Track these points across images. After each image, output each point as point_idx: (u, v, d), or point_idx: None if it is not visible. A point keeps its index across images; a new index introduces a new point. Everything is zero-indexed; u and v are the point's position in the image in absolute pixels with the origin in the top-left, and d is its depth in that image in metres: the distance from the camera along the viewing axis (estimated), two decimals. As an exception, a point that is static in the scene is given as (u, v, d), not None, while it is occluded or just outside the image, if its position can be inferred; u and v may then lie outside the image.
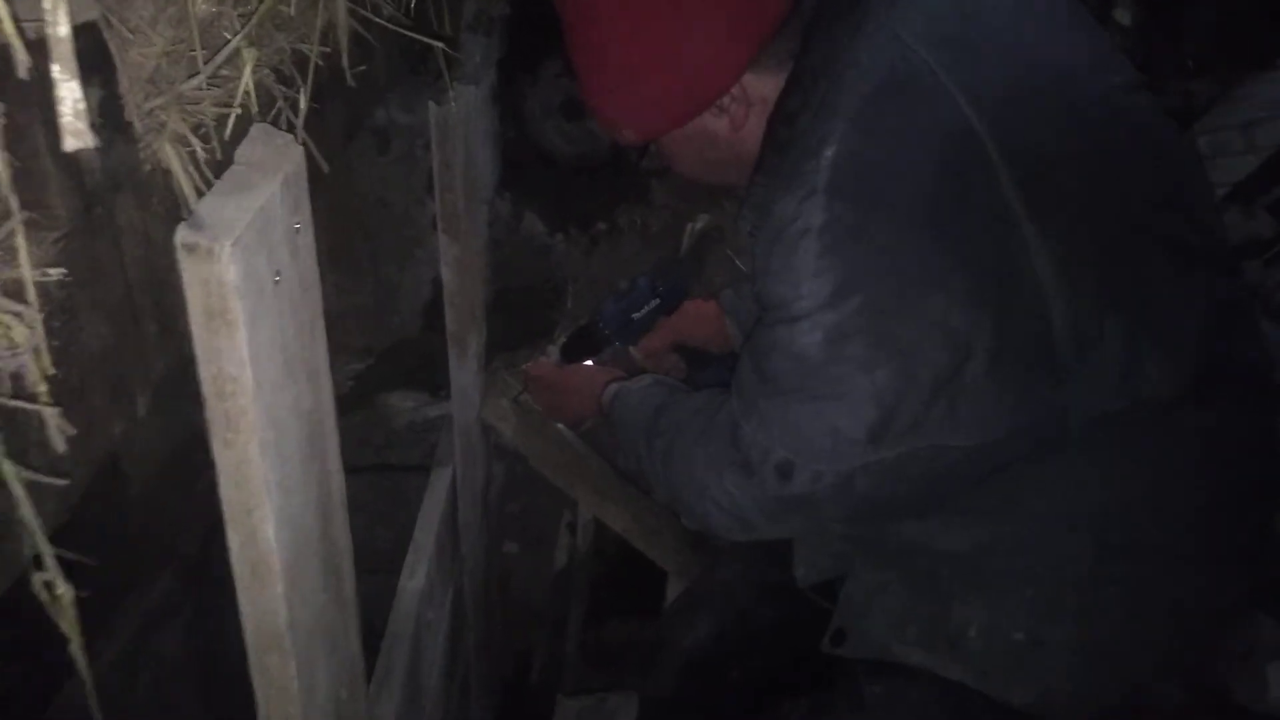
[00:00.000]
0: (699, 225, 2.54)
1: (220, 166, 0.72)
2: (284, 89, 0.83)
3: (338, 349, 2.27)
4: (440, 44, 1.04)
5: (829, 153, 0.97)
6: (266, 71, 0.81)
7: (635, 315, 1.56)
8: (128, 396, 0.65)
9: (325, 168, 0.91)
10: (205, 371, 0.65)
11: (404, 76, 1.83)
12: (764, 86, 1.11)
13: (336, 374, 2.18)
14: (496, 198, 2.28)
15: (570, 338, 1.64)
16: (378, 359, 2.17)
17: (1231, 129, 2.09)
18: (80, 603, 0.57)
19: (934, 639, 1.13)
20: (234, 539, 0.71)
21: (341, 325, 2.17)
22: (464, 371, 1.67)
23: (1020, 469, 1.06)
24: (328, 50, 0.90)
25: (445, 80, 1.14)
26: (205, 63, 0.70)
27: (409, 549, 1.58)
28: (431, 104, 1.31)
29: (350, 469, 2.20)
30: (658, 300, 1.56)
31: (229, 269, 0.62)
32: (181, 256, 0.62)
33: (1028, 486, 1.08)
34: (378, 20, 1.03)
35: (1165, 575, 1.08)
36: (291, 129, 0.84)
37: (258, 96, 0.79)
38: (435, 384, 2.11)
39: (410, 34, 1.02)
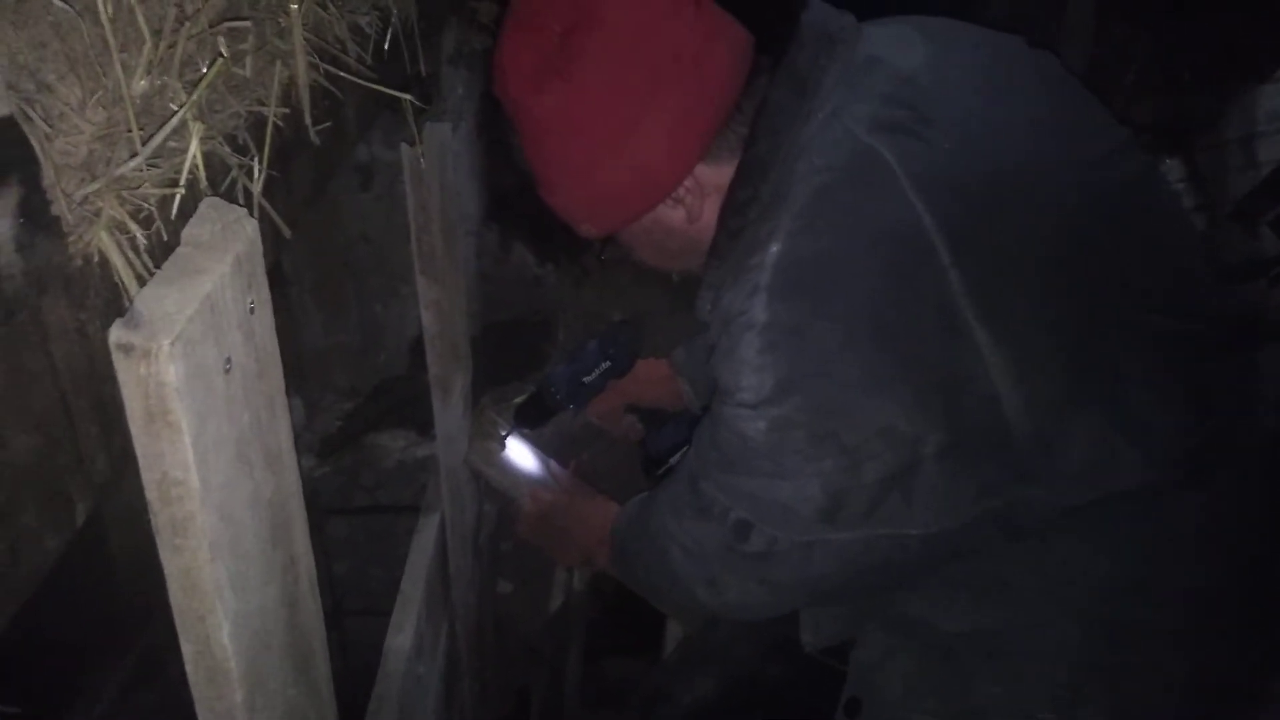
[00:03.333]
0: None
1: (169, 250, 0.68)
2: (240, 157, 0.79)
3: (324, 389, 2.24)
4: (407, 96, 1.00)
5: (774, 249, 0.95)
6: (218, 141, 0.77)
7: (586, 379, 1.55)
8: (65, 507, 0.60)
9: (287, 233, 0.87)
10: (148, 476, 0.61)
11: (383, 113, 1.79)
12: (718, 175, 1.09)
13: (323, 414, 2.15)
14: (484, 230, 2.24)
15: (522, 404, 1.64)
16: (365, 398, 2.13)
17: (1231, 144, 2.05)
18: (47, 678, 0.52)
19: (955, 713, 1.08)
20: (187, 647, 0.66)
21: (327, 364, 2.13)
22: (449, 414, 1.62)
23: (1002, 550, 1.04)
24: (287, 110, 0.86)
25: (412, 129, 1.09)
26: (145, 142, 0.65)
27: (396, 603, 1.53)
28: (404, 146, 1.27)
29: (339, 510, 2.16)
30: (608, 363, 1.56)
31: (168, 368, 0.58)
32: (117, 358, 0.58)
33: (1014, 568, 1.06)
34: (342, 74, 0.99)
35: (1185, 654, 1.05)
36: (249, 199, 0.80)
37: (209, 168, 0.75)
38: (424, 422, 2.06)
39: (376, 86, 0.98)
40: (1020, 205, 1.00)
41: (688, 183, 1.09)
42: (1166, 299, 1.05)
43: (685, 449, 1.62)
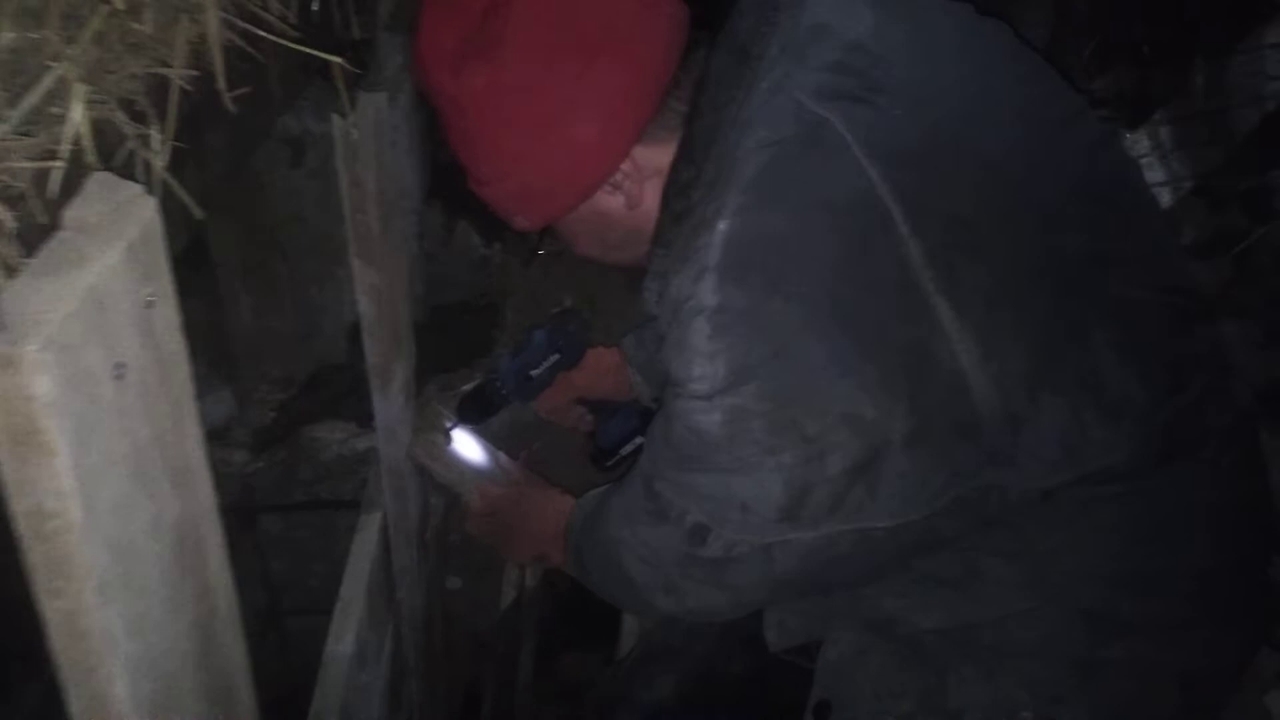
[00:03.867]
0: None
1: (47, 235, 0.57)
2: (138, 125, 0.69)
3: (256, 378, 2.12)
4: (338, 59, 0.89)
5: (721, 227, 0.88)
6: (110, 107, 0.66)
7: (533, 373, 1.49)
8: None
9: (198, 213, 0.76)
10: (18, 507, 0.51)
11: (313, 81, 1.67)
12: (657, 157, 1.02)
13: (256, 405, 2.03)
14: (426, 207, 2.13)
15: (465, 397, 1.56)
16: (301, 388, 2.01)
17: (1194, 118, 2.01)
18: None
19: (931, 713, 1.03)
20: (75, 704, 0.56)
21: (259, 352, 2.01)
22: (389, 406, 1.52)
23: (976, 540, 0.99)
24: (197, 74, 0.75)
25: (344, 99, 0.99)
26: (13, 105, 0.55)
27: (335, 610, 1.43)
28: (335, 118, 1.16)
29: (276, 507, 2.05)
30: (557, 355, 1.49)
31: (37, 380, 0.48)
32: (-28, 368, 0.47)
33: (988, 559, 1.01)
34: (262, 34, 0.88)
35: (1168, 648, 1.01)
36: (152, 175, 0.70)
37: (100, 138, 0.64)
38: (365, 413, 1.95)
39: (301, 48, 0.88)
40: (977, 171, 0.95)
41: (625, 166, 1.03)
42: (1135, 268, 1.00)
43: (636, 439, 1.55)
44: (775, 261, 0.88)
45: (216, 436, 1.94)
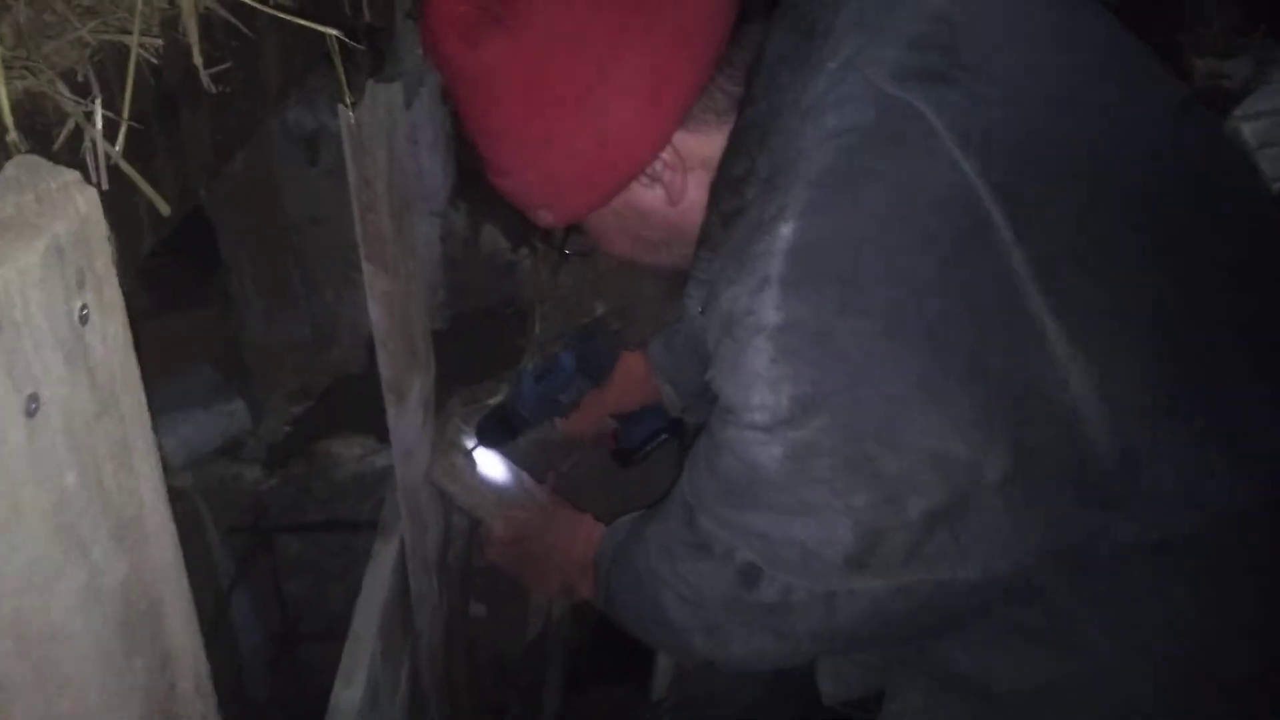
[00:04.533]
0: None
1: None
2: (81, 100, 0.57)
3: (270, 389, 2.01)
4: (334, 31, 0.77)
5: (785, 232, 0.75)
6: (48, 78, 0.54)
7: (560, 397, 1.38)
8: None
9: (164, 209, 0.64)
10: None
11: (322, 67, 1.57)
12: (703, 145, 0.90)
13: (269, 418, 1.91)
14: (450, 210, 2.01)
15: (485, 419, 1.44)
16: (317, 400, 1.90)
17: (1276, 114, 1.85)
18: None
19: None
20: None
21: (273, 362, 1.90)
22: (405, 423, 1.40)
23: (1066, 586, 0.84)
24: (161, 43, 0.63)
25: (341, 82, 0.87)
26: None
27: (345, 648, 1.32)
28: (341, 109, 1.05)
29: (290, 527, 1.94)
30: (585, 378, 1.39)
31: (-104, 423, 0.36)
32: None
33: (1079, 607, 0.86)
34: (251, 3, 0.77)
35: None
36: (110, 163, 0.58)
37: (28, 115, 0.53)
38: (384, 427, 1.84)
39: (291, 18, 0.76)
40: (1087, 167, 0.81)
41: (666, 155, 0.90)
42: (1266, 280, 0.86)
43: (661, 437, 1.45)
44: (850, 272, 0.75)
45: (228, 451, 1.83)
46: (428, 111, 1.82)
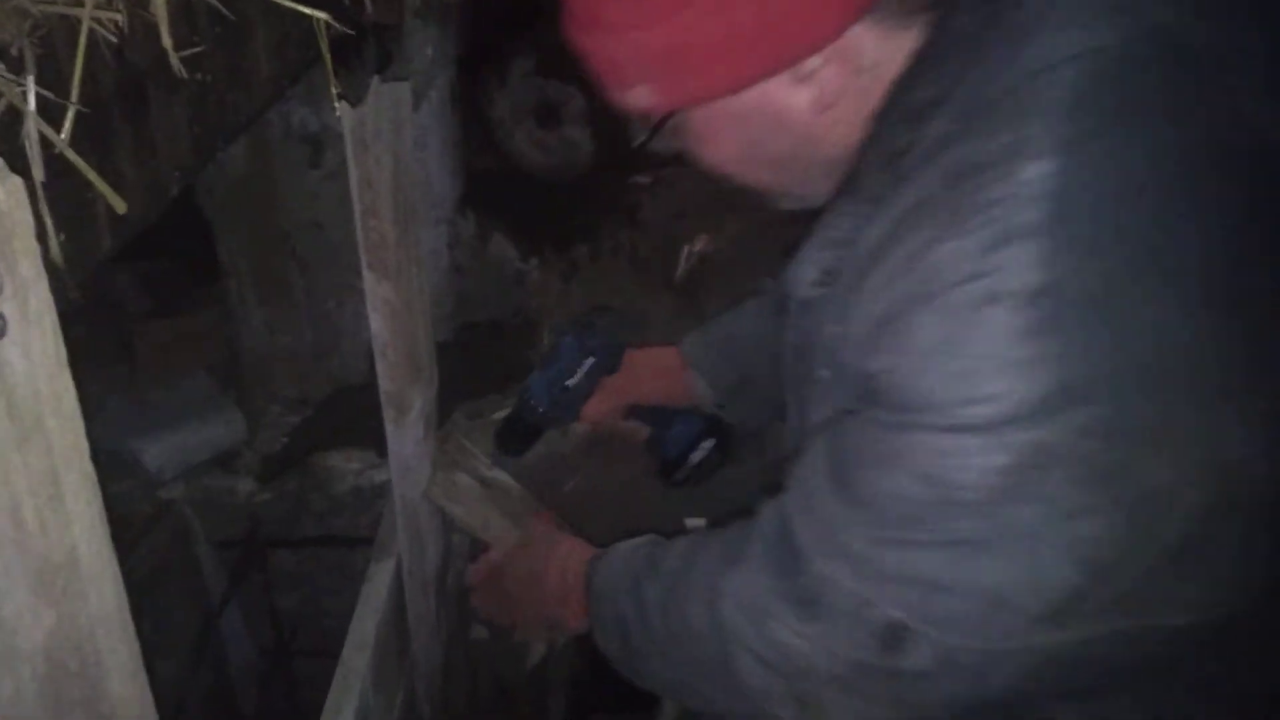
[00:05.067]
0: (696, 247, 2.22)
1: None
2: (14, 78, 0.50)
3: (268, 399, 1.95)
4: (322, 15, 0.70)
5: (1031, 173, 0.60)
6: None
7: (569, 383, 1.24)
8: None
9: (120, 206, 0.57)
10: None
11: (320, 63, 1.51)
12: (881, 49, 0.71)
13: (266, 429, 1.85)
14: (458, 217, 1.95)
15: (502, 429, 1.33)
16: (315, 410, 1.84)
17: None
18: None
19: None
20: None
21: (271, 371, 1.84)
22: (404, 439, 1.33)
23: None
24: (117, 16, 0.56)
25: (329, 73, 0.80)
26: None
27: (335, 676, 1.24)
28: (344, 105, 0.98)
29: (284, 542, 1.87)
30: (592, 359, 1.24)
31: None
32: None
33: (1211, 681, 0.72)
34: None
35: None
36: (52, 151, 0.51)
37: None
38: (384, 441, 1.78)
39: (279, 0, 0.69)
40: None
41: (830, 49, 0.70)
42: None
43: (704, 443, 1.30)
44: (1129, 225, 0.60)
45: (222, 463, 1.76)
46: (436, 114, 1.76)
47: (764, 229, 2.31)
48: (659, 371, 1.31)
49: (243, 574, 1.79)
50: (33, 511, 0.43)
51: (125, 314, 1.88)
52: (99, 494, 0.49)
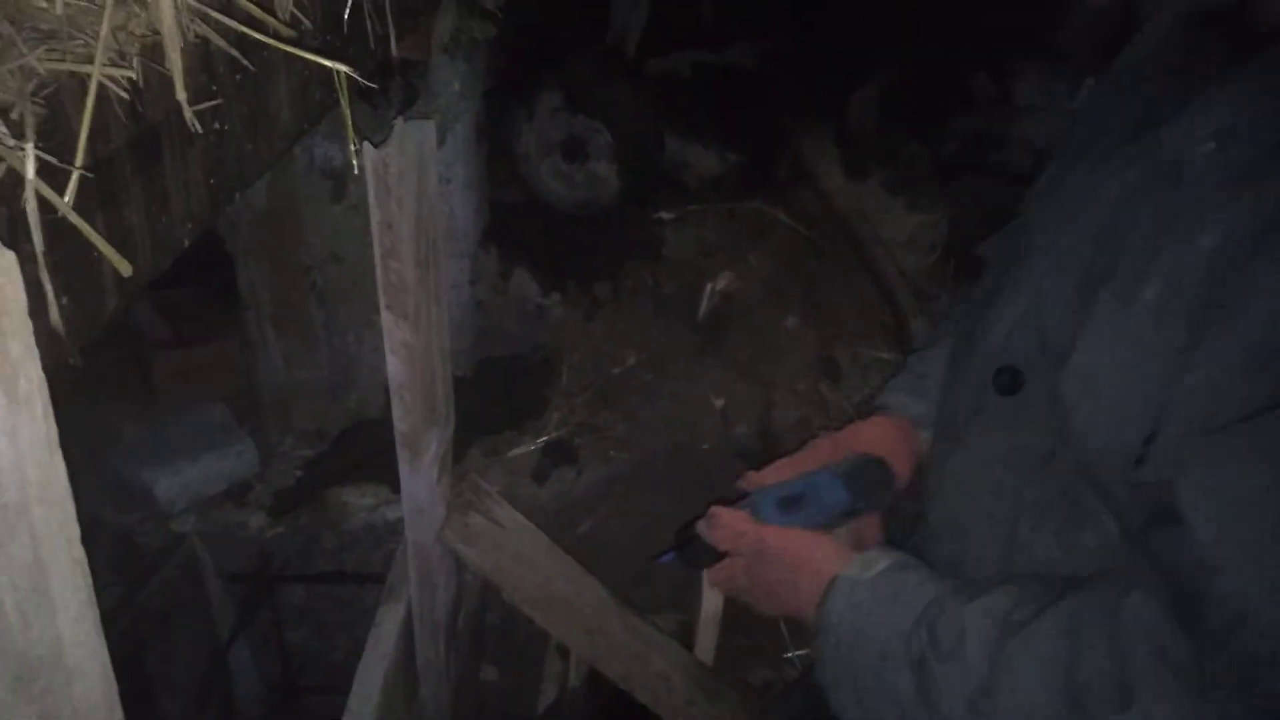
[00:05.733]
0: (720, 285, 2.19)
1: None
2: (15, 141, 0.48)
3: (283, 431, 1.93)
4: (343, 68, 0.68)
5: None
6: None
7: (802, 523, 0.96)
8: None
9: (125, 269, 0.55)
10: None
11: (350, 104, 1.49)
12: None
13: (280, 462, 1.82)
14: (480, 252, 1.93)
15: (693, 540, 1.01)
16: (331, 444, 1.81)
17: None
18: None
19: None
20: None
21: (289, 403, 1.82)
22: (419, 481, 1.30)
23: None
24: (129, 73, 0.54)
25: (347, 123, 0.78)
26: None
27: (340, 724, 1.21)
28: (366, 146, 0.96)
29: (294, 578, 1.84)
30: (849, 516, 0.98)
31: None
32: None
33: None
34: (256, 35, 0.68)
35: None
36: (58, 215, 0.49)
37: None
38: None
39: (295, 50, 0.67)
40: None
41: None
42: None
43: (852, 510, 1.00)
44: None
45: (234, 496, 1.74)
46: (461, 150, 1.74)
47: (788, 267, 2.28)
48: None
49: (252, 609, 1.76)
50: (13, 605, 0.41)
51: (143, 342, 1.87)
52: (89, 579, 0.47)
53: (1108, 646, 0.64)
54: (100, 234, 0.55)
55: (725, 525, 0.95)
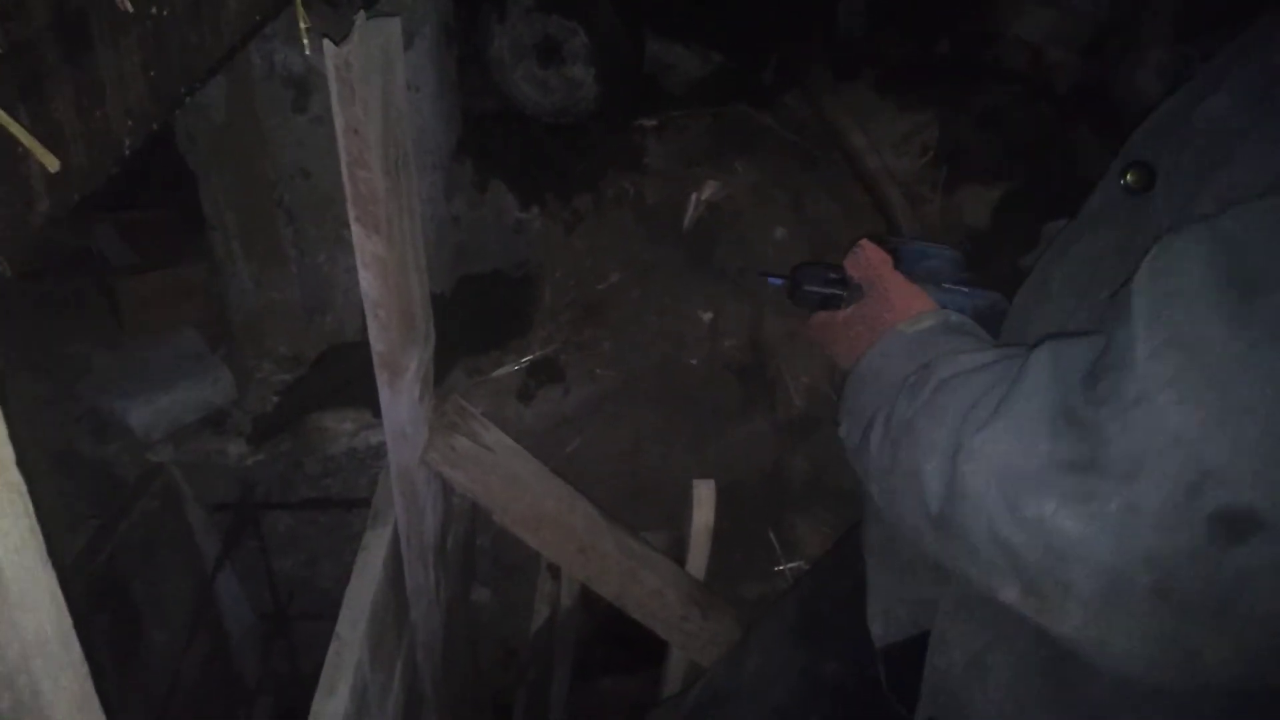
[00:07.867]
0: (705, 195, 2.12)
1: None
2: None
3: (258, 356, 1.87)
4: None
5: None
6: None
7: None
8: None
9: (53, 164, 0.49)
10: None
11: (315, 6, 1.40)
12: None
13: (257, 388, 1.77)
14: (454, 164, 1.85)
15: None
16: (309, 369, 1.76)
17: None
18: None
19: None
20: None
21: (262, 327, 1.76)
22: (399, 403, 1.26)
23: None
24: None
25: (299, 10, 0.71)
26: None
27: (329, 652, 1.18)
28: (327, 43, 0.88)
29: (278, 505, 1.81)
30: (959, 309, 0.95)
31: None
32: None
33: None
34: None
35: None
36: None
37: None
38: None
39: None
40: None
41: None
42: None
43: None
44: None
45: (211, 424, 1.69)
46: (430, 53, 1.65)
47: (777, 175, 2.21)
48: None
49: (236, 538, 1.73)
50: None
51: (108, 268, 1.80)
52: (29, 506, 0.42)
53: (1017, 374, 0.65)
54: (24, 127, 0.49)
55: (866, 257, 0.96)
